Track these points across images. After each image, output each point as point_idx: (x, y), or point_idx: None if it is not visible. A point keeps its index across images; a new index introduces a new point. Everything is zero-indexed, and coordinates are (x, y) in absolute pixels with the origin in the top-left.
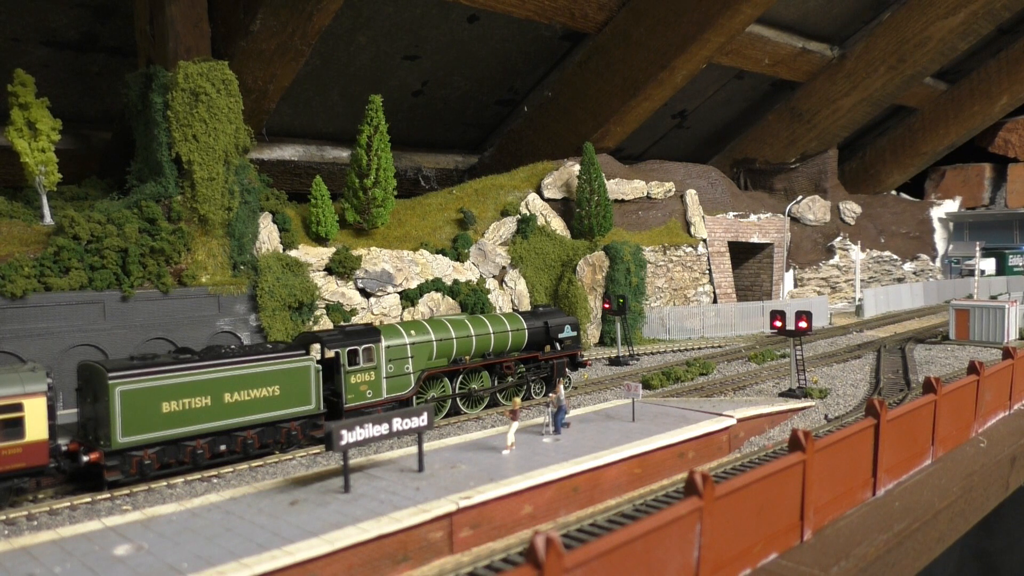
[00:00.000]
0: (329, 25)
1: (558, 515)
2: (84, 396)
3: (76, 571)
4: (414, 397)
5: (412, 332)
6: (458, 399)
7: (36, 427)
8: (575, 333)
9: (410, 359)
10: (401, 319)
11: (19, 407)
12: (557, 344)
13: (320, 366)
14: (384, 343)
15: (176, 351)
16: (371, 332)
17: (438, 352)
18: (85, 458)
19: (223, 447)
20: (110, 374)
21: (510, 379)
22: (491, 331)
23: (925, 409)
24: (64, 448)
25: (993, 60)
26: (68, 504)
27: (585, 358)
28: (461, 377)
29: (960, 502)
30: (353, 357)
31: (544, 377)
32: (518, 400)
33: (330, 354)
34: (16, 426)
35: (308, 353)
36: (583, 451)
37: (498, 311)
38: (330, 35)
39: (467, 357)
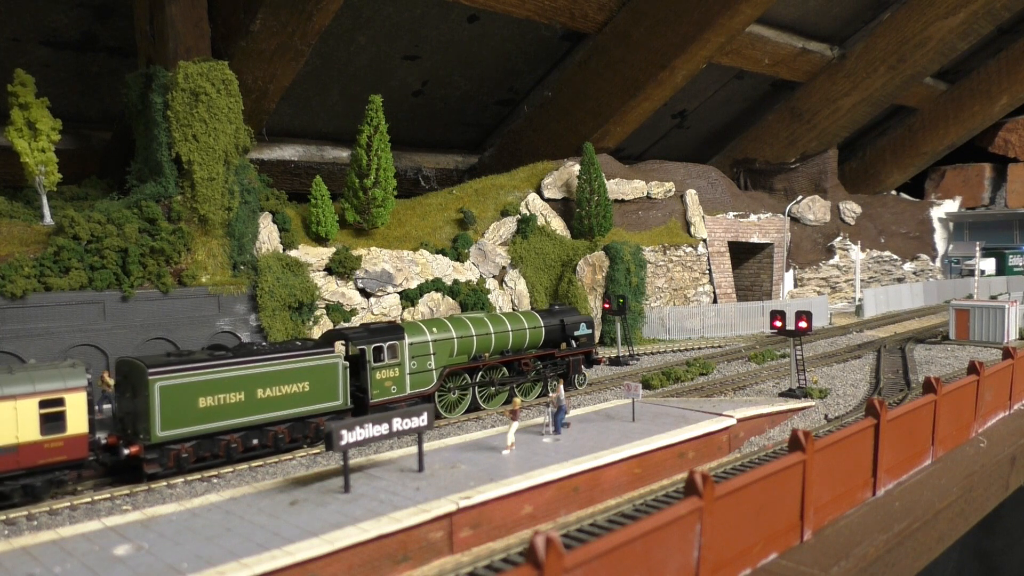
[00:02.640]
0: (329, 25)
1: (558, 515)
2: (123, 391)
3: (76, 571)
4: (436, 393)
5: (434, 329)
6: (478, 396)
7: (77, 421)
8: (590, 331)
9: (432, 356)
10: (401, 319)
11: (61, 401)
12: (572, 342)
13: (347, 362)
14: (408, 340)
15: (210, 348)
16: (395, 329)
17: (459, 349)
18: (126, 451)
19: (255, 441)
20: (150, 370)
21: (528, 375)
22: (510, 328)
23: (925, 409)
24: (103, 442)
25: (993, 60)
26: (68, 504)
27: (600, 356)
28: (481, 374)
29: (960, 502)
30: (378, 354)
31: (560, 374)
32: (518, 400)
33: (356, 351)
34: (58, 420)
35: (335, 350)
36: (583, 451)
37: (498, 311)
38: (330, 35)
39: (487, 354)
